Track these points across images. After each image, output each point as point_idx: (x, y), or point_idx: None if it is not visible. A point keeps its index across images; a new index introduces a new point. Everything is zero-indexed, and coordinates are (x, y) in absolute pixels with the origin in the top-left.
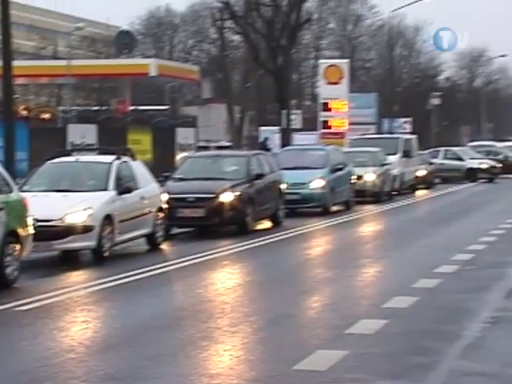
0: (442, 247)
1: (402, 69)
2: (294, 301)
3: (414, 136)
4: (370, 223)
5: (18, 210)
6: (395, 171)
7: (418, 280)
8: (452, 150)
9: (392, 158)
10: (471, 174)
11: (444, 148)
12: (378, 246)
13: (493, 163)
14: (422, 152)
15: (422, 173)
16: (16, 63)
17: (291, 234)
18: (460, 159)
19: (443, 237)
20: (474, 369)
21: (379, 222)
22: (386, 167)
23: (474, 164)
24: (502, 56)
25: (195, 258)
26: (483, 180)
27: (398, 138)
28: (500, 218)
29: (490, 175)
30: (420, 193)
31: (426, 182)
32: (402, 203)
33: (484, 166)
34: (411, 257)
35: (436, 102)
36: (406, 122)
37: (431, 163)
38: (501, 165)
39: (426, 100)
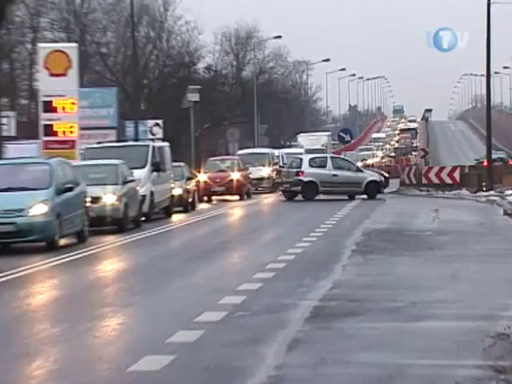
0: (205, 288)
1: (149, 55)
2: (9, 368)
3: (166, 143)
4: (111, 260)
5: None
6: (143, 190)
7: (175, 332)
8: (340, 158)
9: (139, 173)
10: (372, 189)
11: (330, 156)
12: (122, 290)
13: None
14: (177, 164)
15: (178, 191)
16: None
17: (1, 280)
18: (358, 170)
19: (207, 275)
20: None
21: (123, 258)
22: (131, 185)
23: (375, 176)
24: (277, 37)
25: None
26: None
27: (146, 145)
28: (279, 246)
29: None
30: (177, 217)
31: (184, 204)
32: (154, 232)
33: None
34: (166, 302)
35: (195, 98)
36: (156, 125)
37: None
38: None
39: (181, 95)
